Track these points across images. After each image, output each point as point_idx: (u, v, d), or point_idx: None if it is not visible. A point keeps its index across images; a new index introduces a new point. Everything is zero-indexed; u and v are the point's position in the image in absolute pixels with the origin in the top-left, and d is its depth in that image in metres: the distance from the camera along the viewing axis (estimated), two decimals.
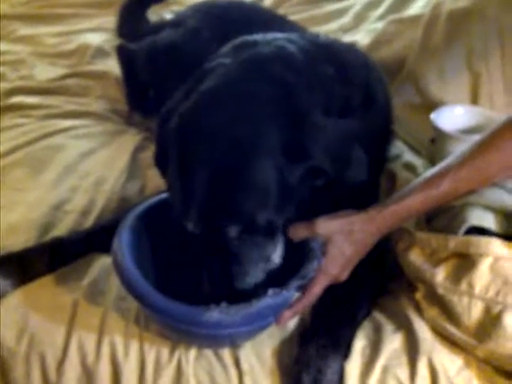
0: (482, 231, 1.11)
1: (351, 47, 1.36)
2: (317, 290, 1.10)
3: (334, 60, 1.21)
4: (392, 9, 2.16)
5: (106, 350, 1.14)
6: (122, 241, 1.12)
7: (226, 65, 1.14)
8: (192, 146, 1.05)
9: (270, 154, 1.03)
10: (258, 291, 1.07)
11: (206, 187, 1.02)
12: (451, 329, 1.10)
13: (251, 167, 1.02)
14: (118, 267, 1.09)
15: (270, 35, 1.26)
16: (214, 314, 1.01)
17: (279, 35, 1.26)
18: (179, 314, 1.03)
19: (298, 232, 1.12)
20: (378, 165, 1.32)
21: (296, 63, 1.14)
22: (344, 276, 1.13)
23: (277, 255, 1.11)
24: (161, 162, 1.16)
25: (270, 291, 1.04)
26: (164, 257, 1.21)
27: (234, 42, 1.26)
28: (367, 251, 1.13)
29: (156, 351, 1.13)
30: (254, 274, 1.09)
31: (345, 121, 1.13)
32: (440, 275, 1.11)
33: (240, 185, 1.02)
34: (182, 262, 1.20)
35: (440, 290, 1.11)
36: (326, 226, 1.11)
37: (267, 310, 1.05)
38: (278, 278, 1.10)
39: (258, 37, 1.25)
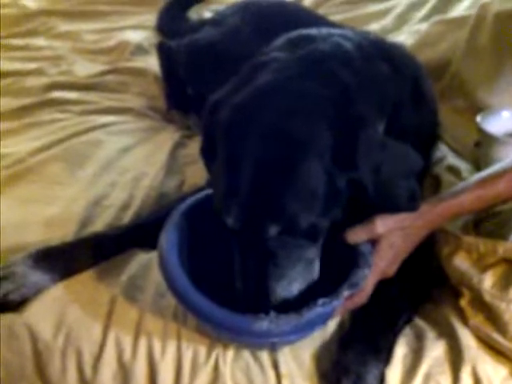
0: None
1: (400, 45, 1.34)
2: (368, 287, 1.09)
3: (387, 57, 1.19)
4: (435, 10, 2.13)
5: (142, 347, 1.12)
6: (169, 240, 1.10)
7: (282, 60, 1.12)
8: (242, 139, 1.03)
9: (321, 157, 1.00)
10: (302, 298, 1.05)
11: (252, 183, 1.00)
12: (497, 337, 1.07)
13: (300, 167, 1.00)
14: (164, 267, 1.08)
15: (325, 30, 1.24)
16: (264, 323, 0.99)
17: (334, 31, 1.25)
18: (226, 322, 1.02)
19: (357, 235, 1.10)
20: (423, 167, 1.28)
21: (353, 62, 1.13)
22: (392, 271, 1.12)
23: (318, 261, 1.09)
24: (207, 154, 1.14)
25: (320, 301, 1.02)
26: (205, 256, 1.20)
27: (289, 36, 1.24)
28: (415, 246, 1.12)
29: (193, 350, 1.12)
30: (293, 278, 1.06)
31: (406, 147, 1.09)
32: (487, 281, 1.08)
33: (287, 184, 1.00)
34: (222, 262, 1.18)
35: (487, 297, 1.08)
36: (383, 224, 1.09)
37: (316, 319, 1.03)
38: (323, 284, 1.08)
39: (313, 31, 1.23)
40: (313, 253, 1.07)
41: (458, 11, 2.07)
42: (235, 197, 1.02)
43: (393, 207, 1.09)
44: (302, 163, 1.00)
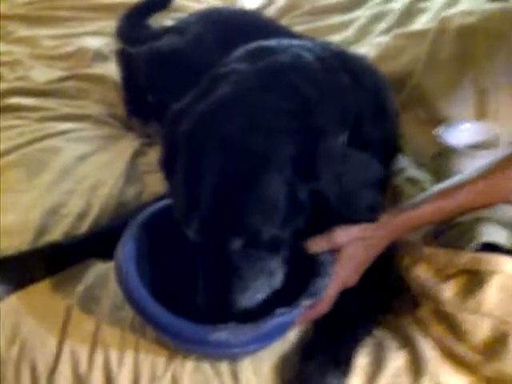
0: (492, 248, 1.09)
1: (361, 57, 1.35)
2: (328, 297, 1.08)
3: (348, 68, 1.19)
4: (396, 23, 2.13)
5: (99, 359, 1.10)
6: (126, 251, 1.09)
7: (242, 71, 1.12)
8: (202, 151, 1.01)
9: (281, 169, 0.99)
10: (261, 308, 1.04)
11: (212, 195, 0.99)
12: (458, 347, 1.07)
13: (261, 180, 0.99)
14: (121, 279, 1.06)
15: (285, 41, 1.24)
16: (222, 334, 0.98)
17: (294, 42, 1.24)
18: (184, 333, 1.00)
19: (318, 245, 1.09)
20: (384, 178, 1.29)
21: (313, 73, 1.12)
22: (353, 281, 1.11)
23: (280, 271, 1.08)
24: (166, 165, 1.12)
25: (279, 310, 1.01)
26: (164, 267, 1.18)
27: (248, 47, 1.23)
28: (376, 257, 1.12)
29: (151, 362, 1.09)
30: (255, 290, 1.05)
31: (367, 157, 1.10)
32: (448, 292, 1.09)
33: (247, 197, 0.99)
34: (183, 273, 1.16)
35: (447, 307, 1.08)
36: (344, 235, 1.09)
37: (275, 329, 1.02)
38: (283, 293, 1.07)
39: (273, 43, 1.22)
40: (275, 263, 1.06)
41: (418, 24, 2.08)
42: (195, 210, 1.00)
43: (353, 218, 1.09)
44: (263, 176, 0.99)
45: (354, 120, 1.13)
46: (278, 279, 1.08)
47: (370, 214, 1.09)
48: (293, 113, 1.03)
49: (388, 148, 1.27)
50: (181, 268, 1.17)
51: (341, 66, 1.19)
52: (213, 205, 0.99)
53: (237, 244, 1.01)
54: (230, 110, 1.04)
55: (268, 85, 1.07)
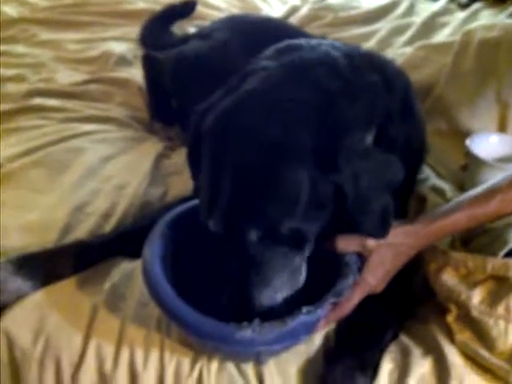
0: None
1: (391, 60, 1.35)
2: (353, 301, 1.08)
3: (377, 68, 1.19)
4: (418, 36, 2.15)
5: (124, 357, 1.10)
6: (153, 250, 1.09)
7: (268, 67, 1.12)
8: (224, 144, 1.02)
9: (301, 160, 1.00)
10: (286, 307, 1.03)
11: (231, 187, 1.00)
12: (485, 354, 1.07)
13: (279, 170, 0.99)
14: (148, 278, 1.06)
15: (315, 40, 1.25)
16: (247, 332, 0.98)
17: (323, 41, 1.25)
18: (210, 331, 1.00)
19: (349, 245, 1.09)
20: (409, 184, 1.29)
21: (341, 70, 1.12)
22: (380, 288, 1.11)
23: (303, 270, 1.08)
24: (193, 160, 1.13)
25: (304, 309, 1.01)
26: (190, 267, 1.18)
27: (277, 46, 1.23)
28: (404, 264, 1.11)
29: (177, 361, 1.09)
30: (276, 287, 1.04)
31: (392, 158, 1.08)
32: (476, 297, 1.08)
33: (266, 188, 0.99)
34: (208, 273, 1.17)
35: (475, 313, 1.08)
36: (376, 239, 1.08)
37: (300, 328, 1.01)
38: (306, 292, 1.07)
39: (302, 41, 1.23)
40: (298, 261, 1.06)
41: (440, 37, 2.10)
42: (217, 202, 1.01)
43: (363, 226, 1.06)
44: (281, 166, 0.99)
45: (381, 119, 1.13)
46: (301, 277, 1.07)
47: (379, 228, 1.06)
48: (315, 105, 1.03)
49: (414, 153, 1.27)
50: (206, 267, 1.18)
51: (370, 65, 1.19)
52: (231, 195, 1.00)
53: (254, 235, 1.01)
54: (252, 104, 1.05)
55: (292, 78, 1.08)
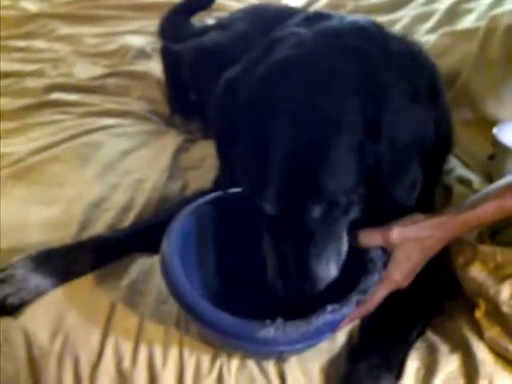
0: None
1: (418, 42, 1.31)
2: (378, 297, 1.05)
3: (405, 44, 1.16)
4: (442, 23, 2.09)
5: (143, 355, 1.08)
6: (172, 245, 1.07)
7: (300, 34, 1.09)
8: (270, 117, 0.98)
9: (353, 131, 0.97)
10: (314, 303, 1.00)
11: (287, 163, 0.96)
12: None
13: (335, 143, 0.97)
14: (166, 274, 1.04)
15: (341, 13, 1.24)
16: (271, 330, 0.95)
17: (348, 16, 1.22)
18: (233, 329, 0.97)
19: (371, 238, 1.07)
20: (435, 174, 1.26)
21: (371, 36, 1.10)
22: (406, 283, 1.08)
23: (346, 236, 1.06)
24: (224, 140, 1.09)
25: (329, 307, 0.98)
26: (210, 261, 1.16)
27: (305, 14, 1.21)
28: (431, 258, 1.08)
29: (196, 359, 1.07)
30: (330, 256, 1.03)
31: (422, 110, 1.06)
32: (505, 292, 1.05)
33: (324, 163, 0.96)
34: (229, 268, 1.15)
35: (504, 308, 1.04)
36: (400, 233, 1.05)
37: (325, 327, 0.99)
38: (331, 290, 1.04)
39: (330, 12, 1.21)
40: (344, 227, 1.05)
41: (465, 24, 2.04)
42: (269, 180, 0.97)
43: (394, 193, 1.05)
44: (336, 138, 0.97)
45: (411, 87, 1.08)
46: (345, 247, 1.06)
47: (410, 193, 1.05)
48: (359, 73, 1.00)
49: (441, 139, 1.21)
50: (227, 262, 1.16)
51: (397, 38, 1.17)
52: (288, 172, 0.97)
53: (317, 211, 0.99)
54: (293, 73, 1.01)
55: (329, 46, 1.05)
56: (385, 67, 1.03)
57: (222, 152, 1.13)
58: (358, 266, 1.05)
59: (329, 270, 1.03)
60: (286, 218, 1.00)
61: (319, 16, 1.18)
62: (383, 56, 1.05)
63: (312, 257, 1.01)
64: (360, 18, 1.18)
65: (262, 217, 1.03)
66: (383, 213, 1.08)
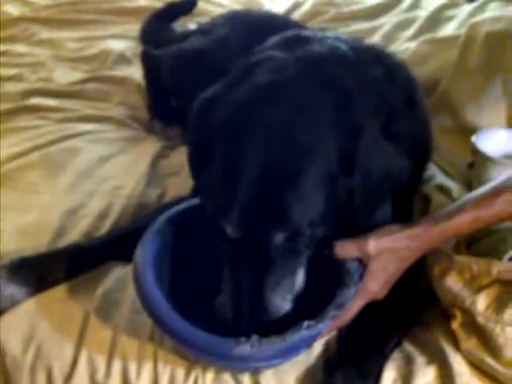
0: None
1: (394, 54, 1.31)
2: (355, 309, 1.04)
3: (381, 61, 1.17)
4: (423, 30, 2.10)
5: (117, 367, 1.07)
6: (145, 255, 1.05)
7: (280, 59, 1.09)
8: (245, 140, 0.98)
9: (325, 162, 0.97)
10: (285, 321, 1.00)
11: (255, 186, 0.95)
12: (491, 362, 1.02)
13: (305, 172, 0.96)
14: (138, 285, 1.02)
15: (320, 33, 1.23)
16: (246, 348, 0.93)
17: (328, 33, 1.23)
18: (207, 346, 0.96)
19: (347, 250, 1.06)
20: (414, 182, 1.25)
21: (351, 64, 1.10)
22: (382, 294, 1.07)
23: (303, 270, 1.04)
24: (196, 158, 1.09)
25: (305, 323, 0.96)
26: (184, 272, 1.14)
27: (284, 35, 1.21)
28: (406, 268, 1.08)
29: (171, 371, 1.06)
30: (287, 288, 1.02)
31: (394, 146, 1.06)
32: (481, 303, 1.04)
33: (293, 190, 0.96)
34: (203, 278, 1.13)
35: (480, 319, 1.04)
36: (377, 244, 1.05)
37: (301, 343, 0.98)
38: (307, 303, 1.04)
39: (308, 33, 1.21)
40: (304, 260, 1.04)
41: (446, 31, 2.05)
42: (235, 202, 0.96)
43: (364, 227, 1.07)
44: (308, 168, 0.96)
45: (387, 112, 1.09)
46: (301, 278, 1.04)
47: (381, 225, 1.07)
48: (335, 106, 1.00)
49: (420, 150, 1.22)
50: (201, 272, 1.14)
51: (374, 58, 1.17)
52: (255, 196, 0.95)
53: (279, 238, 0.98)
54: (273, 99, 1.01)
55: (309, 74, 1.05)
56: (360, 101, 1.03)
57: (192, 169, 1.12)
58: (333, 279, 1.05)
59: (283, 302, 1.01)
60: (246, 242, 0.98)
61: (298, 38, 1.18)
62: (360, 89, 1.05)
63: (268, 287, 0.99)
64: (340, 39, 1.18)
65: (221, 240, 1.02)
66: (353, 233, 1.08)
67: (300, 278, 1.04)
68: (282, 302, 1.01)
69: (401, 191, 1.12)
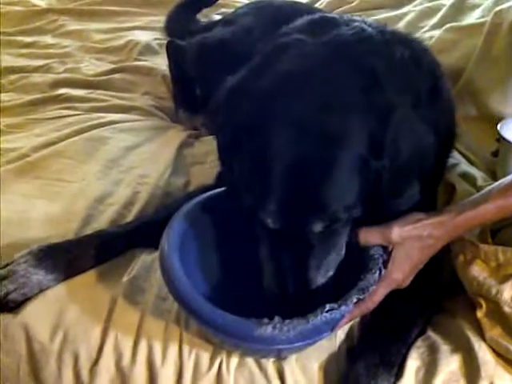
0: None
1: (420, 39, 1.30)
2: (378, 296, 1.04)
3: (406, 44, 1.16)
4: (447, 18, 2.07)
5: (142, 352, 1.08)
6: (171, 241, 1.06)
7: (307, 43, 1.08)
8: (275, 132, 0.97)
9: (357, 148, 0.97)
10: (313, 302, 1.00)
11: (290, 178, 0.96)
12: None
13: (338, 160, 0.96)
14: (165, 271, 1.03)
15: (346, 16, 1.22)
16: (268, 329, 0.94)
17: (354, 17, 1.22)
18: (230, 328, 0.96)
19: (371, 237, 1.06)
20: (438, 170, 1.24)
21: (377, 46, 1.09)
22: (406, 282, 1.07)
23: (344, 245, 1.06)
24: (226, 147, 1.08)
25: (328, 306, 0.97)
26: (211, 257, 1.15)
27: (311, 18, 1.20)
28: (431, 257, 1.07)
29: (196, 356, 1.07)
30: (329, 265, 1.03)
31: (424, 124, 1.05)
32: (507, 292, 1.04)
33: (327, 179, 0.96)
34: (229, 264, 1.14)
35: (506, 309, 1.03)
36: (401, 232, 1.05)
37: (324, 326, 0.98)
38: (331, 286, 1.04)
39: (335, 15, 1.20)
40: (344, 238, 1.05)
41: (470, 19, 2.02)
42: (271, 195, 0.97)
43: (392, 207, 1.06)
44: (341, 154, 0.96)
45: (413, 95, 1.08)
46: (343, 251, 1.06)
47: (408, 204, 1.07)
48: (364, 89, 1.00)
49: (444, 137, 1.20)
50: (227, 259, 1.15)
51: (400, 41, 1.16)
52: (291, 189, 0.96)
53: (318, 226, 0.98)
54: (300, 87, 1.00)
55: (336, 59, 1.04)
56: (389, 82, 1.02)
57: (222, 159, 1.13)
58: (358, 264, 1.05)
59: (327, 277, 1.03)
60: (286, 232, 0.99)
61: (325, 21, 1.17)
62: (388, 69, 1.04)
63: (311, 268, 1.01)
64: (366, 23, 1.17)
65: (259, 227, 1.03)
66: (381, 217, 1.07)
67: (341, 253, 1.05)
68: (324, 279, 1.03)
69: (427, 176, 1.10)
